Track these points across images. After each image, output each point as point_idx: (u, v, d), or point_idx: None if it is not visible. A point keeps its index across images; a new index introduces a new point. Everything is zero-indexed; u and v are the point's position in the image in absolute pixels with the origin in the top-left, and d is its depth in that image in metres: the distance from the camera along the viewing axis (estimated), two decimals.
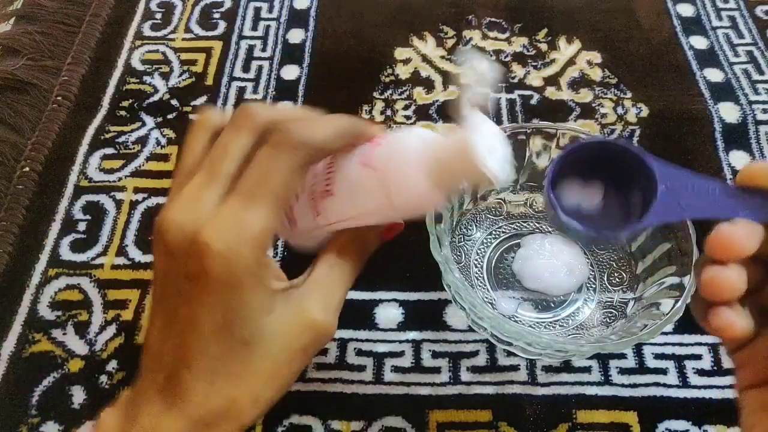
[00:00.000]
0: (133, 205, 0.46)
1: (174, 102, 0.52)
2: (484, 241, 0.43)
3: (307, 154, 0.24)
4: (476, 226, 0.43)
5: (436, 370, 0.38)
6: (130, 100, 0.52)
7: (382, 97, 0.52)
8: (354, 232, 0.28)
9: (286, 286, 0.27)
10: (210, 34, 0.57)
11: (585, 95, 0.52)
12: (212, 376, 0.25)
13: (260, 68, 0.54)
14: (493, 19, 0.58)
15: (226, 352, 0.25)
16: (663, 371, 0.38)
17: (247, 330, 0.25)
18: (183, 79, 0.53)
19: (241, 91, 0.52)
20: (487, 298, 0.40)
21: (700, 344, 0.39)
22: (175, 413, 0.25)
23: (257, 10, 0.59)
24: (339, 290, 0.27)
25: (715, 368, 0.39)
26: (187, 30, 0.57)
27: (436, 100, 0.52)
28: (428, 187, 0.24)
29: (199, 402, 0.25)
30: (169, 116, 0.51)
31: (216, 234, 0.24)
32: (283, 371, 0.26)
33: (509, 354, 0.39)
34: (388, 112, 0.51)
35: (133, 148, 0.49)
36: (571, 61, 0.54)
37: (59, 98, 0.51)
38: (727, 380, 0.38)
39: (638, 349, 0.39)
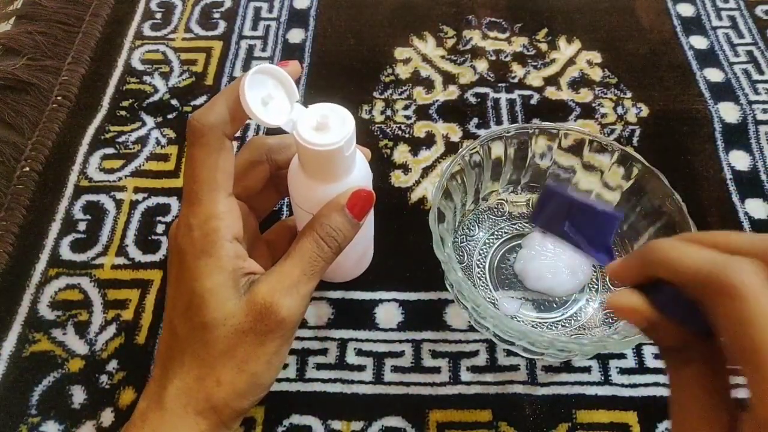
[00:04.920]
0: (133, 204, 0.46)
1: (174, 102, 0.52)
2: (487, 241, 0.43)
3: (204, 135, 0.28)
4: (478, 226, 0.43)
5: (436, 370, 0.38)
6: (130, 100, 0.52)
7: (382, 97, 0.52)
8: (311, 220, 0.30)
9: (256, 277, 0.29)
10: (210, 34, 0.57)
11: (585, 95, 0.52)
12: (182, 356, 0.28)
13: None
14: (493, 19, 0.58)
15: (190, 333, 0.28)
16: (663, 371, 0.38)
17: (204, 313, 0.27)
18: (183, 79, 0.53)
19: None
20: (489, 298, 0.40)
21: None
22: (160, 393, 0.28)
23: (257, 9, 0.59)
24: (292, 273, 0.29)
25: None
26: (187, 30, 0.57)
27: (436, 100, 0.52)
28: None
29: (174, 381, 0.28)
30: (169, 116, 0.51)
31: (173, 229, 0.29)
32: (238, 353, 0.27)
33: (509, 354, 0.39)
34: (388, 112, 0.51)
35: (133, 148, 0.49)
36: (571, 61, 0.54)
37: (59, 98, 0.51)
38: None
39: (638, 349, 0.39)
